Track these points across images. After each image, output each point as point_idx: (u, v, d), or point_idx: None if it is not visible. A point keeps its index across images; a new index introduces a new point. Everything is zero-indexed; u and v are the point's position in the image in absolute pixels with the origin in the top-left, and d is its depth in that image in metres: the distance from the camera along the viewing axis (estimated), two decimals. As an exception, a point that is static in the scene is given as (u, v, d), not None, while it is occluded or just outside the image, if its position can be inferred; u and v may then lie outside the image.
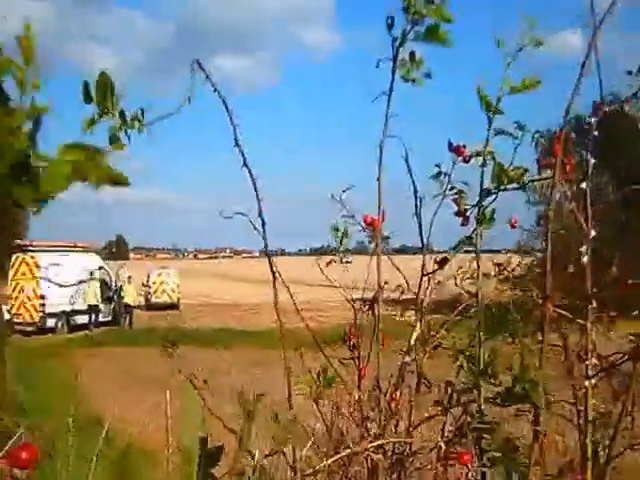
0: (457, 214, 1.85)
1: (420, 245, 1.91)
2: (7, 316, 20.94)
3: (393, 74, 1.69)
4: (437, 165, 1.87)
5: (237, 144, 1.61)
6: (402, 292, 2.15)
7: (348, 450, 1.67)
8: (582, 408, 1.60)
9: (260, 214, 1.69)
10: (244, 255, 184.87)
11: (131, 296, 26.11)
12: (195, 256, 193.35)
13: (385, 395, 1.80)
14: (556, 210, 1.62)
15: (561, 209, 1.87)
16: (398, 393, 1.86)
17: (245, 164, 1.64)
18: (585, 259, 1.61)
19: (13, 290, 23.22)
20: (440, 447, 1.73)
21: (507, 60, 1.71)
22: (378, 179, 1.73)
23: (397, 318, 2.24)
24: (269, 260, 1.76)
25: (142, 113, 1.09)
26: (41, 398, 11.57)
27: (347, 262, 2.14)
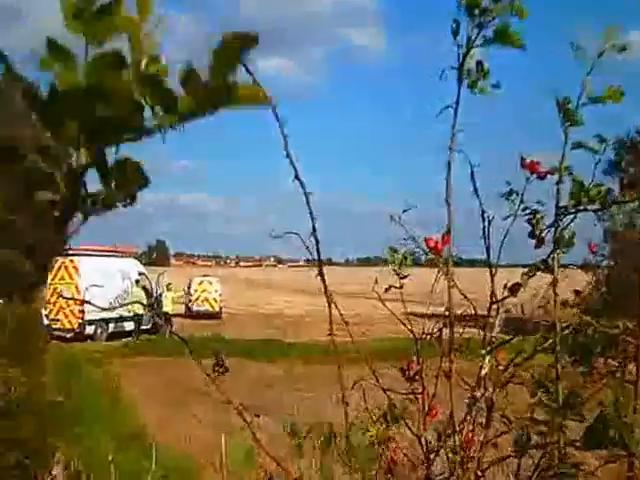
0: (531, 236, 1.78)
1: (485, 257, 1.85)
2: (45, 321, 21.54)
3: (459, 85, 1.64)
4: (508, 182, 1.81)
5: (288, 155, 1.59)
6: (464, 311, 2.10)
7: None
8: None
9: (314, 231, 1.66)
10: (289, 264, 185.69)
11: (169, 304, 26.43)
12: (237, 263, 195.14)
13: (459, 434, 1.73)
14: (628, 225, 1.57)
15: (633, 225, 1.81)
16: (472, 434, 1.78)
17: (297, 177, 1.62)
18: None
19: (51, 295, 23.80)
20: None
21: (587, 66, 1.64)
22: (447, 200, 1.69)
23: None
24: (322, 278, 1.72)
25: None
26: (81, 408, 11.87)
27: (403, 277, 2.09)
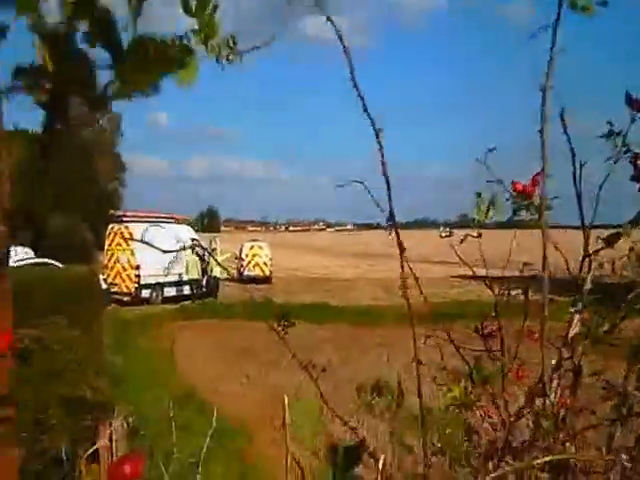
0: (635, 178, 1.64)
1: (580, 220, 1.71)
2: (104, 285, 22.22)
3: (560, 2, 1.46)
4: (609, 122, 1.66)
5: (355, 86, 1.46)
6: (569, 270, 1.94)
7: (508, 467, 1.51)
8: None
9: (385, 173, 1.52)
10: (337, 228, 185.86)
11: (218, 268, 26.61)
12: (286, 229, 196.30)
13: (553, 399, 1.60)
14: None
15: None
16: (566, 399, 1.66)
17: (366, 110, 1.49)
18: None
19: (109, 260, 24.49)
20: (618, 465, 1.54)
21: None
22: (541, 131, 1.52)
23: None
24: (396, 231, 1.59)
25: (234, 39, 1.02)
26: (137, 368, 12.24)
27: (447, 236, 1.96)
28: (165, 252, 24.83)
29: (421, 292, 1.88)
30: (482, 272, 2.07)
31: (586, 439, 1.69)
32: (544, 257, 1.58)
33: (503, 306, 1.88)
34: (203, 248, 27.14)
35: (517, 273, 1.99)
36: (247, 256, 32.58)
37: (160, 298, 24.76)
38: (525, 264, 1.83)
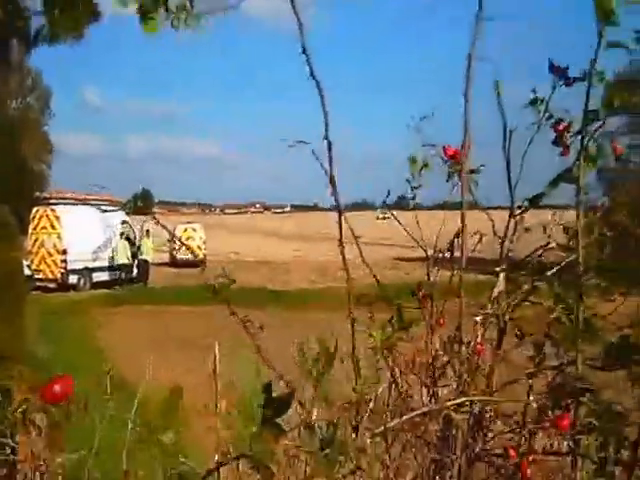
0: (555, 142, 1.68)
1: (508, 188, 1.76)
2: (27, 272, 21.52)
3: None
4: (533, 90, 1.71)
5: (304, 51, 1.44)
6: (480, 239, 2.01)
7: (425, 408, 1.59)
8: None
9: (327, 137, 1.50)
10: (274, 210, 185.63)
11: (149, 252, 26.51)
12: (222, 211, 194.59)
13: (467, 346, 1.70)
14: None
15: None
16: (483, 345, 1.76)
17: (312, 75, 1.46)
18: None
19: (33, 244, 23.68)
20: (528, 408, 1.64)
21: None
22: (465, 95, 1.57)
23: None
24: (338, 207, 1.58)
25: (191, 2, 0.97)
26: (62, 355, 11.89)
27: (385, 217, 2.01)
28: (105, 212, 24.22)
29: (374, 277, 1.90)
30: (423, 253, 2.11)
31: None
32: (462, 225, 1.63)
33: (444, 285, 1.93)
34: (134, 231, 26.59)
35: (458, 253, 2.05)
36: (180, 238, 32.10)
37: (89, 284, 24.16)
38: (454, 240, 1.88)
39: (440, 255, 1.93)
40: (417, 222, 2.05)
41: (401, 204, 2.21)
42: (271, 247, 44.82)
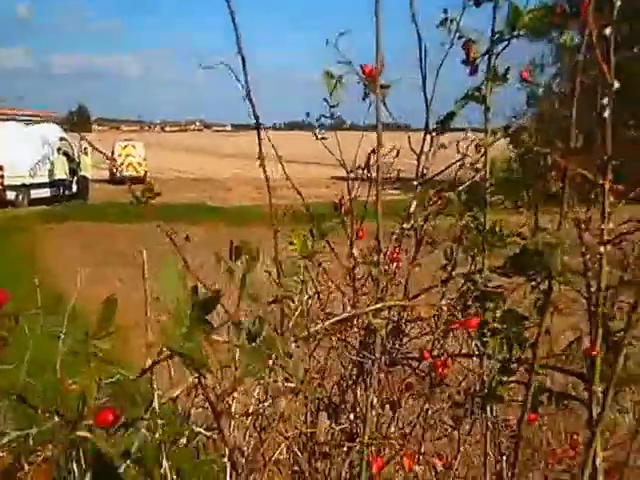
0: (465, 62, 1.71)
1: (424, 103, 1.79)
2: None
3: None
4: (444, 10, 1.72)
5: None
6: (397, 154, 2.05)
7: (345, 314, 1.64)
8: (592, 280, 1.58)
9: (240, 51, 1.46)
10: (215, 128, 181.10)
11: (88, 168, 25.68)
12: (162, 129, 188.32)
13: (385, 255, 1.75)
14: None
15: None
16: (399, 252, 1.82)
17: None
18: (607, 114, 1.50)
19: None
20: (441, 312, 1.72)
21: None
22: (376, 13, 1.56)
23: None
24: (257, 126, 1.58)
25: None
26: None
27: (323, 138, 2.02)
28: (30, 154, 23.13)
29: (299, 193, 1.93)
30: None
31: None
32: (379, 138, 1.65)
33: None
34: (72, 148, 25.59)
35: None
36: (120, 156, 31.12)
37: (27, 201, 23.30)
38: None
39: (361, 173, 1.95)
40: (338, 142, 2.05)
41: (337, 124, 2.21)
42: (211, 165, 44.03)
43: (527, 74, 1.68)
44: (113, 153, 31.29)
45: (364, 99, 1.71)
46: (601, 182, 1.43)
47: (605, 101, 1.43)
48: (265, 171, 1.63)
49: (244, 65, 1.46)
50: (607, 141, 1.44)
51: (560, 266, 1.46)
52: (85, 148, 25.86)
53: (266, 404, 1.90)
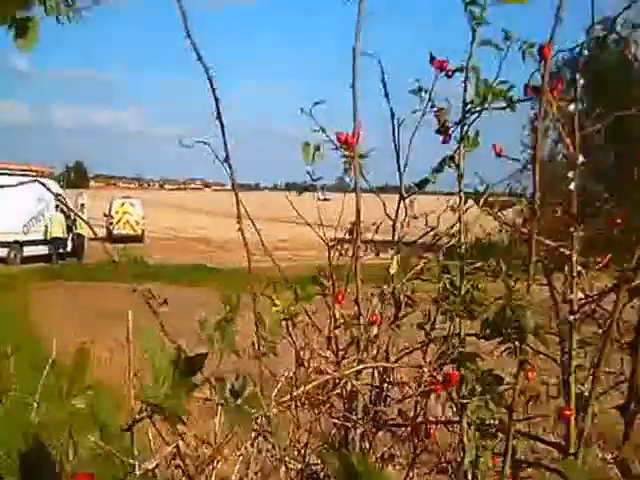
0: (438, 131, 1.83)
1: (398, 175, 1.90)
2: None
3: None
4: (417, 80, 1.85)
5: (188, 35, 1.43)
6: (377, 229, 2.12)
7: (327, 376, 1.69)
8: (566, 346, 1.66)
9: (221, 123, 1.55)
10: (215, 187, 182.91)
11: (84, 226, 25.12)
12: (161, 186, 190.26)
13: (365, 316, 1.84)
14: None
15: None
16: (378, 316, 1.90)
17: (200, 59, 1.46)
18: (572, 186, 1.62)
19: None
20: (422, 372, 1.77)
21: None
22: (352, 86, 1.69)
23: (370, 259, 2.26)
24: (234, 188, 1.71)
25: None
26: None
27: (325, 199, 2.08)
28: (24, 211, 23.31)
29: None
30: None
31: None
32: (357, 204, 1.78)
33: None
34: (68, 205, 25.85)
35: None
36: (117, 213, 31.42)
37: (19, 258, 23.43)
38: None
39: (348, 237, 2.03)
40: (317, 206, 2.16)
41: (341, 186, 2.30)
42: (211, 224, 44.37)
43: (500, 148, 1.82)
44: (111, 210, 31.50)
45: (346, 172, 1.84)
46: (568, 253, 1.57)
47: (571, 174, 1.58)
48: (242, 232, 1.73)
49: (223, 131, 1.54)
50: (573, 211, 1.59)
51: (532, 326, 1.53)
52: (82, 204, 26.19)
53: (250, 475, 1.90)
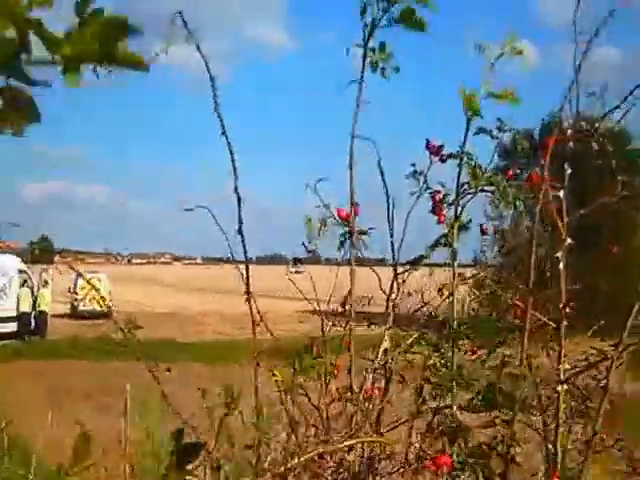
0: (433, 211, 1.96)
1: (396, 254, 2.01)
2: None
3: (364, 61, 1.80)
4: (413, 165, 1.99)
5: (216, 109, 1.61)
6: (369, 302, 2.24)
7: (319, 449, 1.74)
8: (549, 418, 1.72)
9: (236, 190, 1.67)
10: (184, 262, 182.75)
11: (47, 302, 25.38)
12: (129, 261, 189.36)
13: (359, 392, 1.89)
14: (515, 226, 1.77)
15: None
16: (375, 390, 1.95)
17: (224, 133, 1.64)
18: (562, 265, 1.72)
19: None
20: (412, 447, 1.84)
21: (487, 65, 1.87)
22: (350, 167, 1.81)
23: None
24: (246, 259, 1.75)
25: None
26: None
27: (297, 272, 2.17)
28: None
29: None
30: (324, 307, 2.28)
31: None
32: (352, 279, 1.86)
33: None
34: (32, 280, 25.51)
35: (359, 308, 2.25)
36: (83, 289, 30.94)
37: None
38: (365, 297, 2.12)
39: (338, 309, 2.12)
40: (311, 278, 2.22)
41: (314, 258, 2.38)
42: (181, 298, 44.01)
43: (486, 228, 1.98)
44: (75, 286, 31.22)
45: (341, 245, 1.96)
46: (555, 327, 1.63)
47: (559, 254, 1.67)
48: (251, 306, 1.79)
49: (239, 203, 1.67)
50: (563, 290, 1.66)
51: (522, 400, 1.60)
52: (45, 281, 25.88)
53: None
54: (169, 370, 1.83)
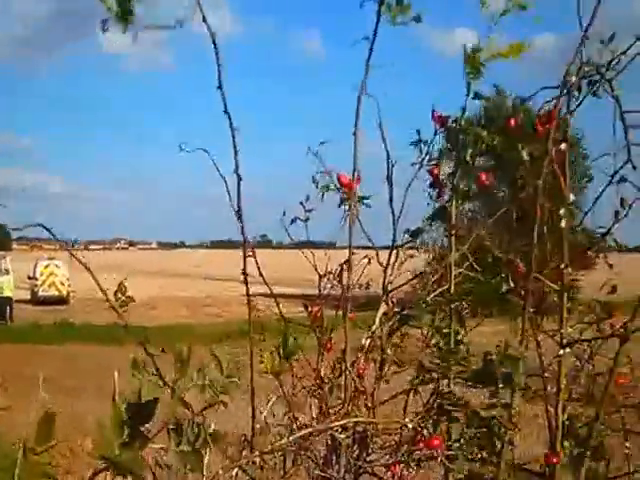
0: (432, 185, 1.90)
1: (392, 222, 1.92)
2: None
3: (378, 16, 1.68)
4: (417, 131, 1.91)
5: (220, 86, 1.54)
6: (367, 287, 2.15)
7: (310, 428, 1.70)
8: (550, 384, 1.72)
9: (236, 170, 1.61)
10: (140, 247, 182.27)
11: (9, 288, 25.41)
12: (86, 247, 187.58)
13: (352, 368, 1.84)
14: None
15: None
16: (364, 367, 1.91)
17: (225, 111, 1.56)
18: (564, 223, 1.67)
19: None
20: (406, 428, 1.78)
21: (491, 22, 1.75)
22: (354, 133, 1.71)
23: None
24: (244, 244, 1.72)
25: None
26: None
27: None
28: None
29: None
30: (284, 290, 2.45)
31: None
32: (349, 251, 1.82)
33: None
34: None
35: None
36: (42, 275, 31.21)
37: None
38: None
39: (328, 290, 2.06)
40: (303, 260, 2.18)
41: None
42: (136, 283, 45.98)
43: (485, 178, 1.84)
44: (35, 272, 31.08)
45: (339, 206, 1.87)
46: (558, 290, 1.62)
47: (562, 212, 1.62)
48: (248, 289, 1.70)
49: (239, 187, 1.59)
50: (564, 252, 1.62)
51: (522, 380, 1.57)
52: (6, 269, 25.84)
53: None
54: (163, 350, 1.88)
